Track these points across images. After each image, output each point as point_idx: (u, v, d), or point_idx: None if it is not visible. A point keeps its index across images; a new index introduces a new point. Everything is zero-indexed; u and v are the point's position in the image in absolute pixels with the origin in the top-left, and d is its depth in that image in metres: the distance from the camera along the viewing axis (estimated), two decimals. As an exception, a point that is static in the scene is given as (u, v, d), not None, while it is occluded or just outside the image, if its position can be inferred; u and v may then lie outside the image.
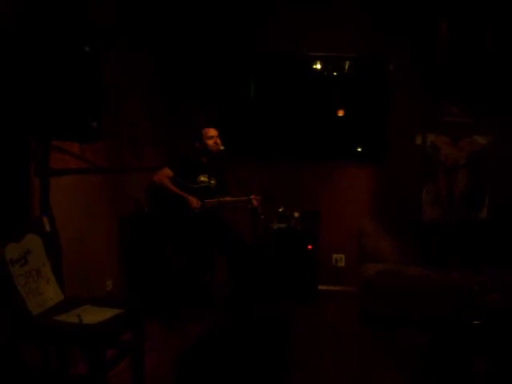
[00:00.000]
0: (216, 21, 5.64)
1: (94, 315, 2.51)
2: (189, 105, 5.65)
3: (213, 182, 4.58)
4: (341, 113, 5.82)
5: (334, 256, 5.65)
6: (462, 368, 3.10)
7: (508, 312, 3.21)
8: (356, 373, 3.59)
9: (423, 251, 4.94)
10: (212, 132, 4.54)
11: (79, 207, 3.69)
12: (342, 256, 5.63)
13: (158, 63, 5.30)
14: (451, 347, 3.26)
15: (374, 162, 5.69)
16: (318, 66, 5.76)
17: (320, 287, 5.36)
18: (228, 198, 4.53)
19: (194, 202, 4.35)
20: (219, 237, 4.49)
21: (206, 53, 5.66)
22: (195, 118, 5.40)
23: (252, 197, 4.44)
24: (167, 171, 4.42)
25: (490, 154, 5.42)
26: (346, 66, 5.76)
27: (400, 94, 5.52)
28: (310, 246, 5.12)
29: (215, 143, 4.49)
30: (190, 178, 4.49)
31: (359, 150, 5.87)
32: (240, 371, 2.91)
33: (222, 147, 4.49)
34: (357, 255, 5.19)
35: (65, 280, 2.84)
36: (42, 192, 2.81)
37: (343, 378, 3.48)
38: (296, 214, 5.29)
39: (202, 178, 4.55)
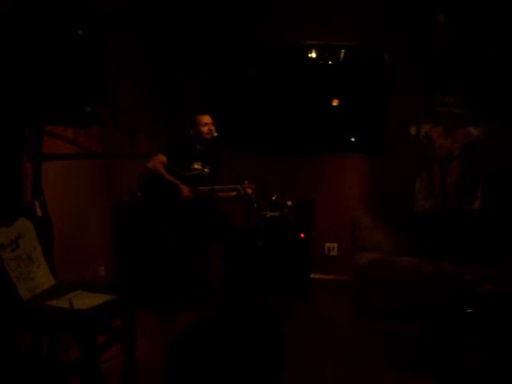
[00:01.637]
0: (213, 11, 5.63)
1: (85, 300, 2.50)
2: (186, 94, 5.62)
3: (206, 170, 4.55)
4: (336, 102, 5.81)
5: (327, 245, 5.66)
6: (455, 359, 3.12)
7: (500, 302, 3.23)
8: (349, 364, 3.60)
9: (416, 241, 4.96)
10: (206, 119, 4.50)
11: (72, 192, 3.67)
12: (335, 245, 5.65)
13: (157, 52, 5.27)
14: (444, 338, 3.28)
15: (368, 152, 5.69)
16: (314, 55, 5.74)
17: (312, 276, 5.38)
18: (221, 186, 4.50)
19: (186, 191, 4.33)
20: (213, 225, 4.48)
21: (203, 43, 5.65)
22: (193, 106, 5.37)
23: (245, 184, 4.41)
24: (161, 158, 4.38)
25: (484, 146, 5.43)
26: (342, 55, 5.74)
27: (396, 84, 5.51)
28: (302, 235, 5.12)
29: (209, 130, 4.47)
30: (183, 165, 4.46)
31: (354, 140, 5.87)
32: (231, 360, 2.91)
33: (215, 133, 4.46)
34: (350, 244, 5.20)
35: (57, 265, 2.83)
36: (33, 176, 2.79)
37: (337, 370, 3.49)
38: (289, 203, 5.27)
39: (196, 166, 4.52)
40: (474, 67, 5.34)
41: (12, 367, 2.60)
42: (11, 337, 2.59)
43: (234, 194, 4.45)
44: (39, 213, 2.74)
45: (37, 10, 2.47)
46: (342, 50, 5.70)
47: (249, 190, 4.39)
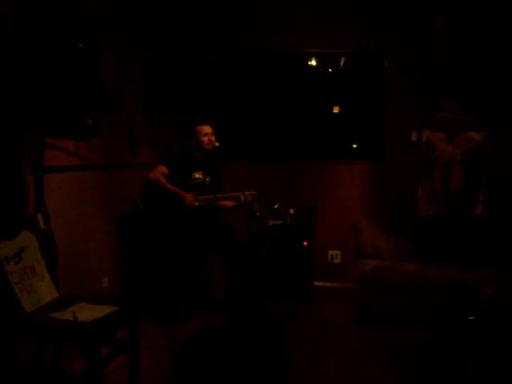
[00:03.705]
0: (213, 19, 5.65)
1: (89, 312, 2.50)
2: (186, 102, 5.64)
3: (208, 179, 4.56)
4: (337, 110, 5.82)
5: (330, 252, 5.65)
6: (457, 364, 3.11)
7: (502, 307, 3.22)
8: (352, 370, 3.59)
9: (419, 247, 4.95)
10: (206, 129, 4.51)
11: (74, 204, 3.68)
12: (338, 252, 5.64)
13: (156, 61, 5.30)
14: (447, 343, 3.27)
15: (369, 158, 5.69)
16: (314, 63, 5.76)
17: (316, 283, 5.37)
18: (222, 195, 4.50)
19: (189, 196, 4.34)
20: (215, 234, 4.48)
21: (203, 51, 5.67)
22: (193, 115, 5.39)
23: (246, 192, 4.41)
24: (162, 168, 4.40)
25: (485, 151, 5.42)
26: (342, 63, 5.75)
27: (396, 90, 5.52)
28: (305, 243, 5.12)
29: (210, 140, 4.47)
30: (184, 175, 4.47)
31: (355, 146, 5.88)
32: (236, 369, 2.91)
33: (216, 143, 4.47)
34: (353, 251, 5.19)
35: (60, 277, 2.83)
36: (36, 189, 2.80)
37: (340, 376, 3.48)
38: (291, 211, 5.28)
39: (197, 175, 4.53)
40: (474, 72, 5.35)
41: (16, 379, 2.60)
42: (15, 349, 2.59)
43: (233, 203, 4.45)
44: (42, 225, 2.74)
45: (38, 20, 2.49)
46: (342, 58, 5.71)
47: (250, 198, 4.38)
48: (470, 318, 3.10)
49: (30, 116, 2.53)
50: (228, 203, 4.51)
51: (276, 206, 5.23)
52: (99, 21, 2.94)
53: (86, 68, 2.69)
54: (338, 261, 5.65)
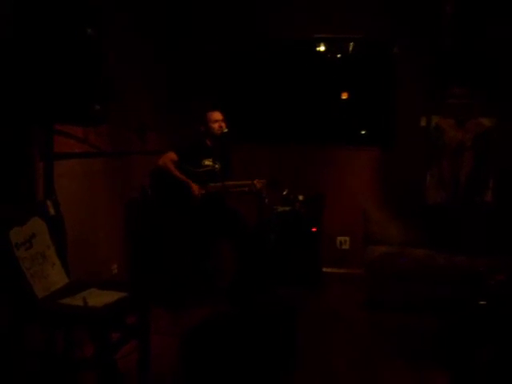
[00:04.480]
0: (219, 5, 5.61)
1: (99, 298, 2.52)
2: (194, 89, 5.63)
3: (217, 166, 4.56)
4: (345, 96, 5.79)
5: (339, 238, 5.65)
6: (467, 351, 3.10)
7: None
8: (359, 358, 3.59)
9: (428, 234, 4.94)
10: (217, 115, 4.51)
11: (84, 191, 3.69)
12: (347, 238, 5.64)
13: (164, 49, 5.29)
14: (456, 330, 3.27)
15: (378, 145, 5.67)
16: (323, 49, 5.72)
17: (324, 270, 5.37)
18: (232, 182, 4.51)
19: (196, 189, 4.34)
20: (224, 221, 4.49)
21: (211, 37, 5.64)
22: (201, 101, 5.37)
23: (256, 180, 4.41)
24: (172, 155, 4.40)
25: (495, 137, 5.38)
26: (351, 48, 5.72)
27: (405, 76, 5.48)
28: (314, 229, 5.12)
29: (220, 127, 4.47)
30: (194, 162, 4.47)
31: (364, 133, 5.85)
32: (244, 355, 2.92)
33: (225, 129, 4.46)
34: (362, 238, 5.18)
35: (71, 264, 2.85)
36: (45, 176, 2.81)
37: (347, 364, 3.49)
38: (300, 197, 5.27)
39: (207, 162, 4.53)
40: (484, 57, 5.29)
41: (27, 365, 2.63)
42: (26, 335, 2.62)
43: (246, 189, 4.44)
44: (52, 212, 2.76)
45: (46, 7, 2.48)
46: (351, 43, 5.67)
47: (258, 186, 4.37)
48: (481, 302, 3.09)
49: (38, 102, 2.53)
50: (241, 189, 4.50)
51: (285, 193, 5.22)
52: (105, 8, 2.93)
53: (94, 54, 2.68)
54: (346, 247, 5.65)
